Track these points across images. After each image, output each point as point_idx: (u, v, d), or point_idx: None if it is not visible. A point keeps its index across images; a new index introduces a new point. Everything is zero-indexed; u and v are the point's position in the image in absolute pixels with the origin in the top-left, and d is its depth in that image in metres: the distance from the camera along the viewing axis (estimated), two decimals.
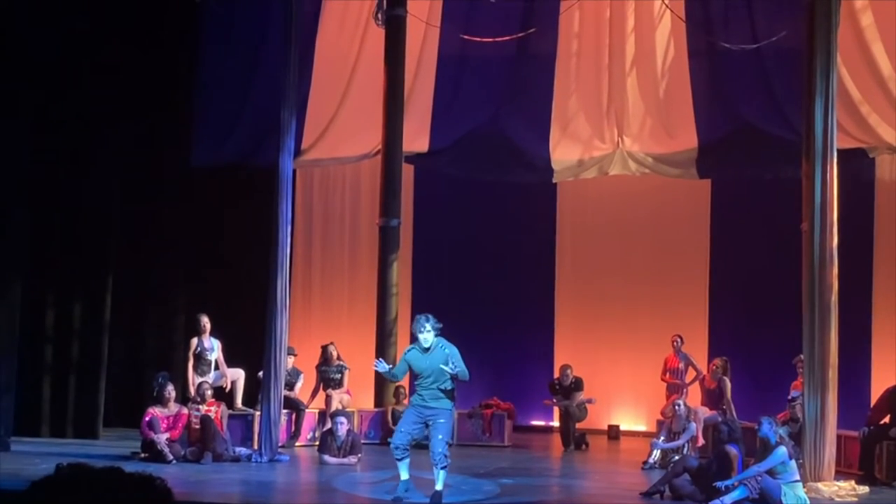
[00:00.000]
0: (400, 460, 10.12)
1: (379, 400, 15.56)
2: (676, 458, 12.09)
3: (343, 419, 13.01)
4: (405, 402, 15.20)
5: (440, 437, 9.90)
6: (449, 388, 9.98)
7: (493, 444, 15.06)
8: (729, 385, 14.41)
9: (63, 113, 14.14)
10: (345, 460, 12.69)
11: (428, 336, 9.89)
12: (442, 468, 9.90)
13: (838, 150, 11.59)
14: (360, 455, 12.89)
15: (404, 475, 10.16)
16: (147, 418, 12.44)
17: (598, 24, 16.47)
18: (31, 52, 13.42)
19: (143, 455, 12.40)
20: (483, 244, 17.39)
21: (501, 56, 16.30)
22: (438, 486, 9.95)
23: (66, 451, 12.51)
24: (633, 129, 16.36)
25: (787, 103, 14.72)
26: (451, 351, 9.91)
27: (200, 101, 15.73)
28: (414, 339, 10.14)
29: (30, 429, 13.87)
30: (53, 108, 13.95)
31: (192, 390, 13.44)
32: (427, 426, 10.03)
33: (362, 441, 13.62)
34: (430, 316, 9.98)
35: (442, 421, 9.95)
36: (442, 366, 9.83)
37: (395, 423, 14.90)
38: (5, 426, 12.91)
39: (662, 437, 13.13)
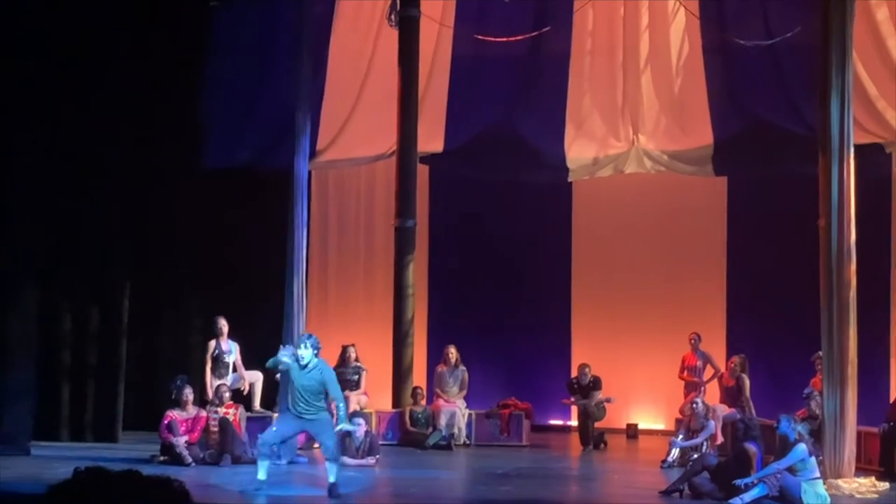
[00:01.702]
0: (263, 459, 10.50)
1: (396, 401, 15.56)
2: (695, 456, 12.05)
3: (361, 420, 13.02)
4: (422, 402, 15.23)
5: (328, 434, 10.42)
6: (323, 404, 10.49)
7: (510, 444, 15.04)
8: (747, 382, 14.37)
9: (77, 117, 14.15)
10: (363, 461, 12.69)
11: (305, 353, 10.36)
12: (339, 463, 10.48)
13: (855, 146, 11.55)
14: (378, 456, 12.90)
15: (262, 475, 10.47)
16: (166, 421, 12.48)
17: (611, 22, 16.44)
18: (44, 55, 13.44)
19: (162, 458, 12.43)
20: (499, 244, 17.37)
21: (515, 55, 16.28)
22: (332, 479, 10.29)
23: (86, 454, 12.54)
24: (648, 126, 16.33)
25: (803, 99, 14.66)
26: (326, 376, 10.39)
27: (213, 104, 15.73)
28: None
29: (49, 433, 13.90)
30: (66, 111, 13.96)
31: (210, 393, 13.47)
32: (305, 433, 10.91)
33: (380, 442, 13.63)
34: (312, 335, 10.60)
35: (325, 418, 10.49)
36: (343, 426, 10.75)
37: (412, 424, 14.96)
38: (25, 431, 12.96)
39: (681, 436, 13.10)
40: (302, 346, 10.42)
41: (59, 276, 14.18)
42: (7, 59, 13.04)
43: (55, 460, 11.85)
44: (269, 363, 10.98)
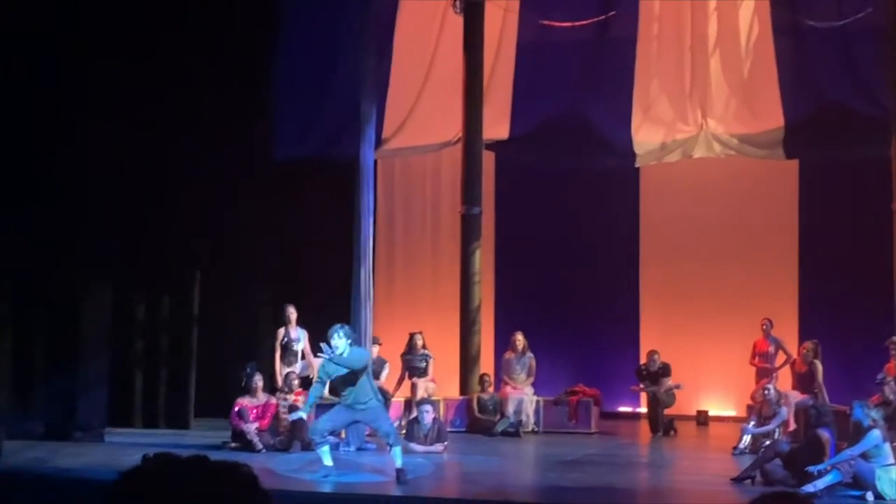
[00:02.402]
0: (322, 445, 10.65)
1: (464, 388, 15.59)
2: (767, 443, 11.91)
3: (429, 407, 13.05)
4: (490, 389, 15.23)
5: (383, 419, 10.63)
6: (368, 388, 10.52)
7: (579, 430, 14.99)
8: (820, 368, 14.18)
9: (142, 111, 14.31)
10: (431, 448, 12.73)
11: (339, 343, 10.34)
12: (402, 445, 10.57)
13: None
14: (446, 443, 12.93)
15: (327, 461, 10.61)
16: (236, 408, 12.62)
17: (679, 6, 16.26)
18: (115, 48, 13.59)
19: (232, 445, 12.58)
20: (566, 230, 17.29)
21: (581, 41, 16.17)
22: (398, 464, 10.36)
23: (158, 441, 12.71)
24: (717, 110, 16.14)
25: (875, 80, 14.42)
26: (347, 354, 10.37)
27: (281, 95, 15.82)
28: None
29: (123, 420, 14.13)
30: (137, 105, 14.11)
31: (280, 380, 13.59)
32: (358, 422, 10.98)
33: (448, 429, 13.66)
34: (344, 325, 10.61)
35: (376, 406, 10.58)
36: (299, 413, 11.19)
37: (480, 412, 14.97)
38: (99, 418, 13.18)
39: (753, 422, 12.97)
40: (335, 335, 10.39)
41: (132, 267, 14.37)
42: (79, 54, 13.20)
43: (129, 447, 12.01)
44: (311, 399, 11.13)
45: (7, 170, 12.22)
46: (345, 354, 10.34)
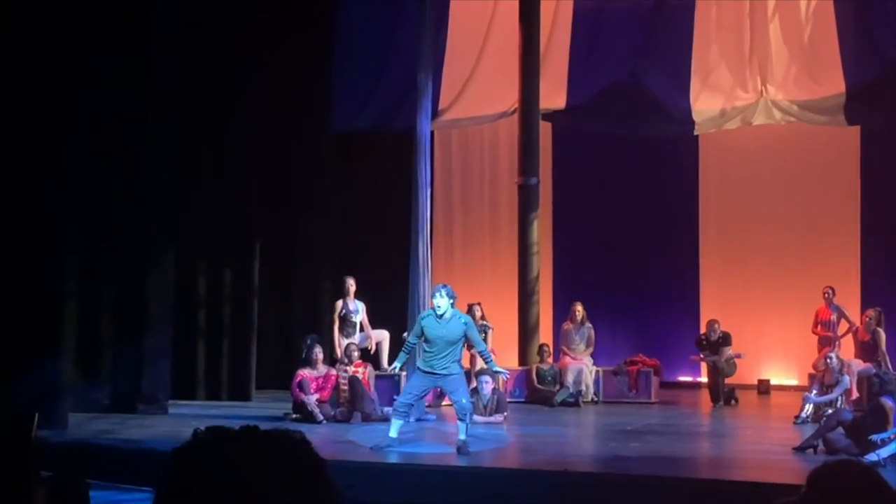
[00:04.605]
0: (398, 418, 10.51)
1: (523, 359, 15.60)
2: (830, 411, 11.80)
3: (488, 378, 13.07)
4: (549, 360, 15.23)
5: (461, 391, 10.38)
6: (458, 356, 10.43)
7: (639, 400, 14.97)
8: (883, 336, 14.02)
9: (202, 83, 14.41)
10: (491, 419, 12.77)
11: (442, 302, 10.23)
12: (469, 421, 10.36)
13: None
14: (505, 413, 12.96)
15: (394, 433, 10.48)
16: (297, 380, 12.73)
17: None
18: (174, 23, 13.68)
19: (294, 416, 12.70)
20: (624, 200, 17.19)
21: (638, 7, 16.04)
22: (462, 437, 10.27)
23: (221, 413, 12.89)
24: (777, 76, 15.92)
25: None
26: (469, 322, 10.41)
27: (339, 66, 15.87)
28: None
29: (186, 392, 14.31)
30: (191, 78, 14.20)
31: (340, 352, 13.68)
32: (437, 391, 10.84)
33: (508, 400, 13.68)
34: (446, 284, 10.48)
35: (457, 377, 10.41)
36: (495, 370, 11.05)
37: (539, 382, 14.99)
38: (163, 390, 13.37)
39: (815, 391, 12.85)
40: (437, 295, 10.33)
41: (194, 240, 14.53)
42: (137, 23, 13.28)
43: (192, 418, 12.18)
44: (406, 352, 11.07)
45: (66, 143, 12.33)
46: (447, 315, 10.27)
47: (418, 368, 10.65)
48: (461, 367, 10.71)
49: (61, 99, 12.12)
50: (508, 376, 13.32)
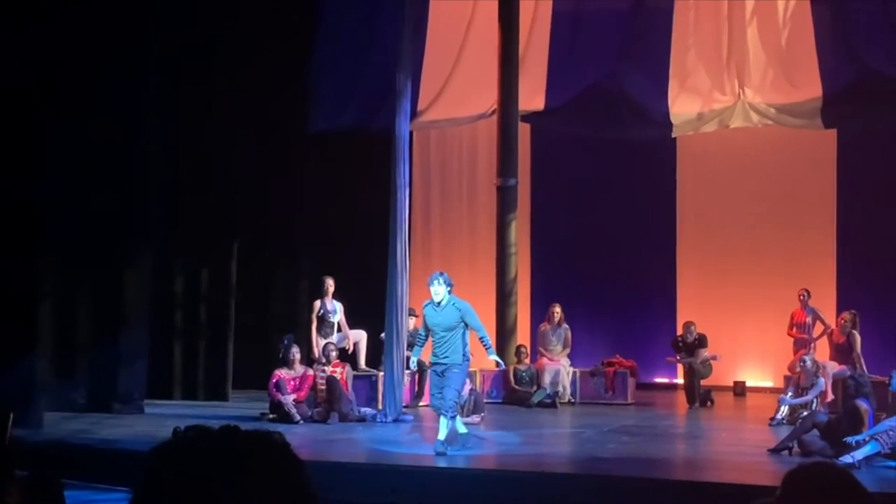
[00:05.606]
0: (453, 418, 10.38)
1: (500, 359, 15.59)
2: (805, 413, 11.87)
3: (466, 379, 13.05)
4: (526, 361, 15.25)
5: (451, 387, 10.24)
6: (459, 343, 10.30)
7: (615, 402, 15.01)
8: (858, 339, 14.11)
9: (181, 83, 14.36)
10: (468, 419, 12.75)
11: (438, 290, 10.26)
12: (451, 418, 10.24)
13: None
14: (482, 414, 12.98)
15: (463, 429, 10.54)
16: (274, 380, 12.71)
17: None
18: (167, 22, 13.64)
19: (271, 416, 12.68)
20: (602, 202, 17.24)
21: (617, 10, 16.06)
22: (441, 436, 10.18)
23: (197, 413, 12.84)
24: (755, 79, 15.97)
25: None
26: (464, 308, 10.31)
27: (319, 67, 15.85)
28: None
29: (162, 392, 14.27)
30: (169, 78, 14.14)
31: (317, 352, 13.66)
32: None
33: (485, 400, 13.70)
34: (443, 272, 10.47)
35: (456, 371, 10.31)
36: (494, 358, 10.81)
37: (516, 383, 15.01)
38: (139, 389, 13.32)
39: (790, 393, 12.92)
40: (435, 282, 10.36)
41: (171, 238, 14.49)
42: (124, 26, 13.24)
43: (168, 418, 12.14)
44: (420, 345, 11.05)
45: (45, 140, 12.29)
46: (444, 302, 10.28)
47: (430, 365, 10.65)
48: (466, 359, 10.53)
49: (41, 98, 12.07)
50: (504, 366, 13.37)
